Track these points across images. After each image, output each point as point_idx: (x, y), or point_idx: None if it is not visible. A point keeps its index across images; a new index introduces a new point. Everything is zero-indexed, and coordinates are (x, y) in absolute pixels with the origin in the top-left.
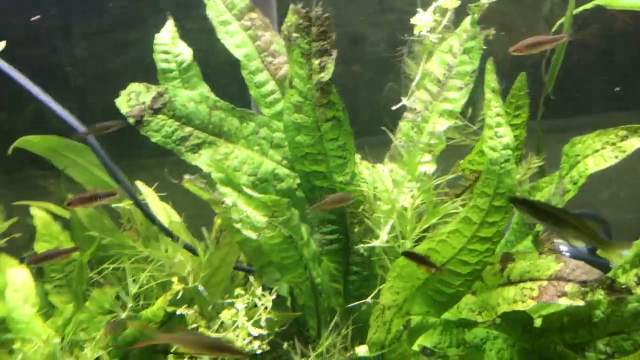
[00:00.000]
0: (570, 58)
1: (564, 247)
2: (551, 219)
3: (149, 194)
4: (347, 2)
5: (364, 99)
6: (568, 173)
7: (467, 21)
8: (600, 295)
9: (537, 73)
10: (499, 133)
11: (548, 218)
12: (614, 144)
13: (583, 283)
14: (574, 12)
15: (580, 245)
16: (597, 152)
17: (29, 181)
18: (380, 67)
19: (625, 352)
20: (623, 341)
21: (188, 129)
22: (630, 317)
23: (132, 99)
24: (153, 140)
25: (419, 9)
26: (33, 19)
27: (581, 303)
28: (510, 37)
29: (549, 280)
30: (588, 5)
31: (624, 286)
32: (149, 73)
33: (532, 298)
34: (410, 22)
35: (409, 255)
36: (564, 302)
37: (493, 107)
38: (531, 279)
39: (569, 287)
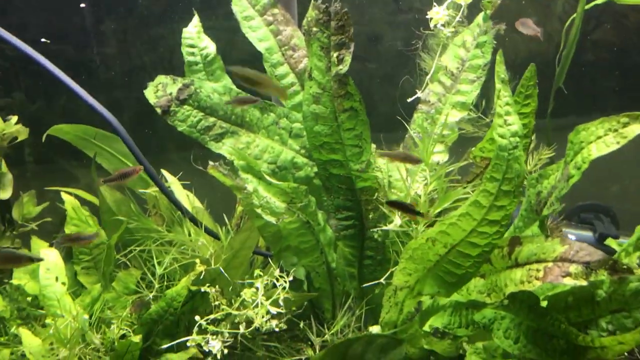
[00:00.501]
0: (585, 55)
1: (572, 236)
2: None
3: (173, 182)
4: (365, 1)
5: (380, 95)
6: (573, 159)
7: (480, 17)
8: (602, 275)
9: (547, 70)
10: (508, 121)
11: None
12: (615, 130)
13: (587, 264)
14: (586, 7)
15: (588, 234)
16: (600, 139)
17: (60, 170)
18: (396, 64)
19: (626, 329)
20: (624, 319)
21: (212, 119)
22: (631, 296)
23: (159, 90)
24: (179, 129)
25: (435, 4)
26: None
27: (584, 283)
28: (521, 33)
29: (554, 262)
30: (599, 1)
31: (625, 266)
32: (175, 68)
33: (538, 279)
34: (427, 18)
35: (393, 203)
36: (568, 282)
37: (502, 97)
38: (537, 261)
39: (573, 268)
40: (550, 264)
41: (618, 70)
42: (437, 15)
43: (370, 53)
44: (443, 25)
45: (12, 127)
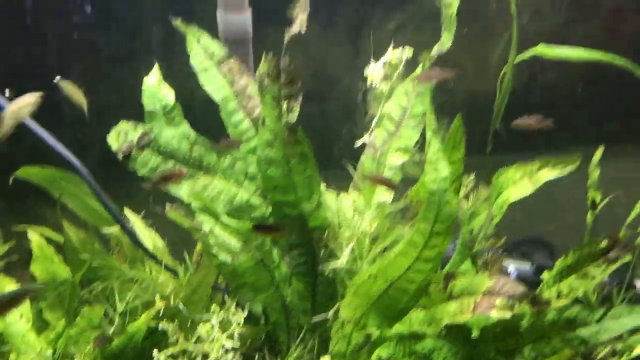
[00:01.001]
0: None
1: (512, 268)
2: None
3: (136, 221)
4: (323, 46)
5: (334, 134)
6: (495, 201)
7: (419, 68)
8: (525, 308)
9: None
10: (438, 167)
11: None
12: (530, 175)
13: (511, 297)
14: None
15: (527, 266)
16: (517, 183)
17: (27, 209)
18: (350, 105)
19: (545, 356)
20: (544, 347)
21: (171, 163)
22: (549, 326)
23: (121, 136)
24: (140, 174)
25: (372, 60)
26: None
27: (509, 314)
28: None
29: (483, 295)
30: (526, 55)
31: (544, 300)
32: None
33: (470, 311)
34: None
35: (259, 227)
36: (495, 314)
37: (433, 145)
38: (469, 294)
39: (499, 301)
40: (479, 297)
41: (559, 109)
42: (374, 73)
43: (327, 94)
44: (382, 80)
45: None
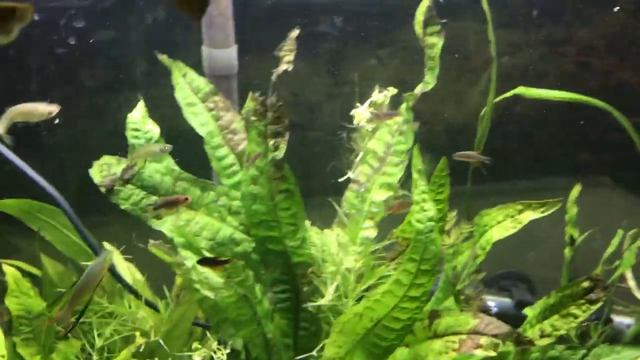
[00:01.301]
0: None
1: (492, 303)
2: None
3: (115, 255)
4: (307, 75)
5: (320, 163)
6: (478, 240)
7: (403, 107)
8: (509, 347)
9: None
10: (424, 207)
11: None
12: (512, 216)
13: (495, 336)
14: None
15: (507, 300)
16: (500, 223)
17: (1, 241)
18: (334, 134)
19: None
20: None
21: (154, 198)
22: None
23: (104, 170)
24: (122, 207)
25: (357, 104)
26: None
27: (493, 354)
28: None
29: (467, 334)
30: (508, 94)
31: (528, 339)
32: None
33: (454, 350)
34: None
35: (204, 261)
36: (480, 353)
37: (419, 186)
38: (454, 333)
39: (483, 340)
40: (464, 336)
41: (535, 140)
42: (360, 115)
43: (309, 122)
44: (367, 122)
45: None
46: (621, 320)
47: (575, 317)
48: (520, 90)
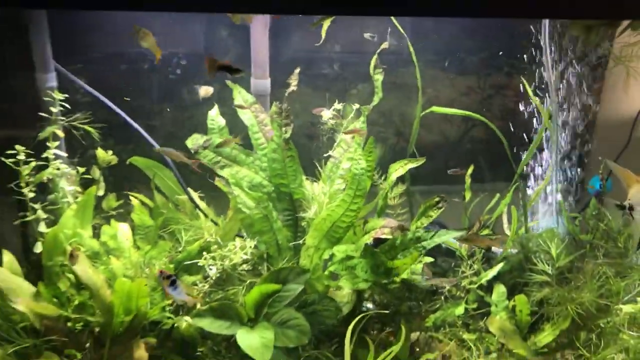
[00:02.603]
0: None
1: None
2: None
3: (194, 195)
4: (308, 98)
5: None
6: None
7: (362, 118)
8: (398, 232)
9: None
10: (359, 162)
11: None
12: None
13: (392, 227)
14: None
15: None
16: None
17: (131, 183)
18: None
19: (406, 258)
20: (406, 253)
21: (219, 158)
22: (408, 241)
23: (194, 141)
24: (202, 161)
25: (324, 109)
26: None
27: (390, 236)
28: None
29: (380, 228)
30: (427, 111)
31: (406, 227)
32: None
33: (372, 236)
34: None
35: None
36: (384, 236)
37: (357, 150)
38: (373, 229)
39: (386, 230)
40: (378, 229)
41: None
42: (325, 116)
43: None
44: (332, 119)
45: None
46: (497, 250)
47: (431, 216)
48: (434, 108)
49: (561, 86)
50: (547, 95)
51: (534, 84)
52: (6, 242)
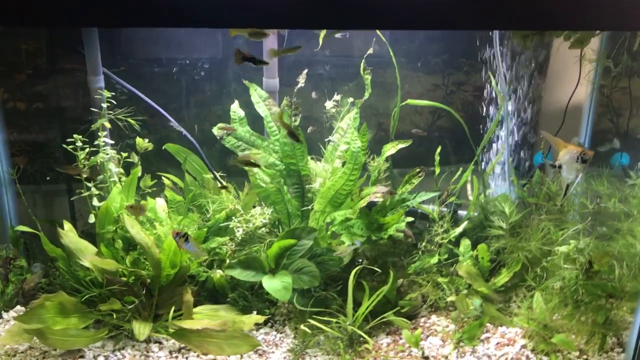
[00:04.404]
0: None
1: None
2: None
3: (218, 175)
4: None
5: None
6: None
7: (354, 111)
8: (388, 195)
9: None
10: (356, 142)
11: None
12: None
13: (383, 192)
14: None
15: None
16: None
17: (164, 166)
18: (324, 121)
19: (394, 214)
20: (393, 211)
21: (240, 142)
22: (396, 202)
23: (220, 129)
24: (226, 145)
25: (327, 102)
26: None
27: (380, 199)
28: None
29: (373, 193)
30: (404, 103)
31: (395, 192)
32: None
33: (367, 200)
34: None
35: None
36: (377, 200)
37: (352, 134)
38: (368, 194)
39: (378, 194)
40: (372, 194)
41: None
42: (329, 106)
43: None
44: (333, 108)
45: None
46: (462, 211)
47: (413, 183)
48: (410, 101)
49: (511, 80)
50: (499, 89)
51: (487, 81)
52: (59, 218)
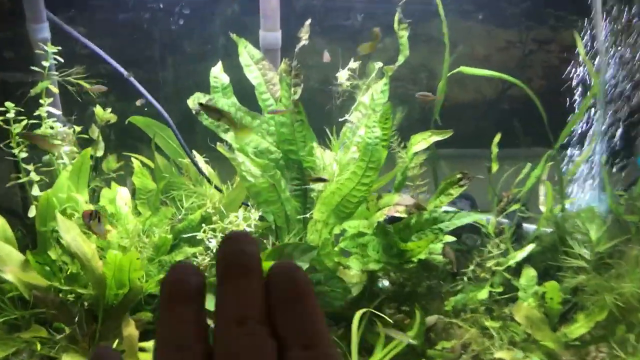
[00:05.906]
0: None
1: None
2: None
3: (199, 158)
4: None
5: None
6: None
7: (384, 80)
8: (413, 211)
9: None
10: (374, 130)
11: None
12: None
13: (407, 205)
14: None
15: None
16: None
17: (133, 146)
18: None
19: (421, 240)
20: (421, 235)
21: (223, 121)
22: (424, 222)
23: (195, 100)
24: (204, 123)
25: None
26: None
27: (405, 215)
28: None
29: (394, 205)
30: (454, 71)
31: (423, 206)
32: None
33: (385, 214)
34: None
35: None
36: (398, 215)
37: (371, 118)
38: (387, 205)
39: (400, 208)
40: (392, 206)
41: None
42: (341, 77)
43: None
44: (347, 80)
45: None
46: (530, 225)
47: (452, 194)
48: (463, 69)
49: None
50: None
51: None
52: (4, 205)
